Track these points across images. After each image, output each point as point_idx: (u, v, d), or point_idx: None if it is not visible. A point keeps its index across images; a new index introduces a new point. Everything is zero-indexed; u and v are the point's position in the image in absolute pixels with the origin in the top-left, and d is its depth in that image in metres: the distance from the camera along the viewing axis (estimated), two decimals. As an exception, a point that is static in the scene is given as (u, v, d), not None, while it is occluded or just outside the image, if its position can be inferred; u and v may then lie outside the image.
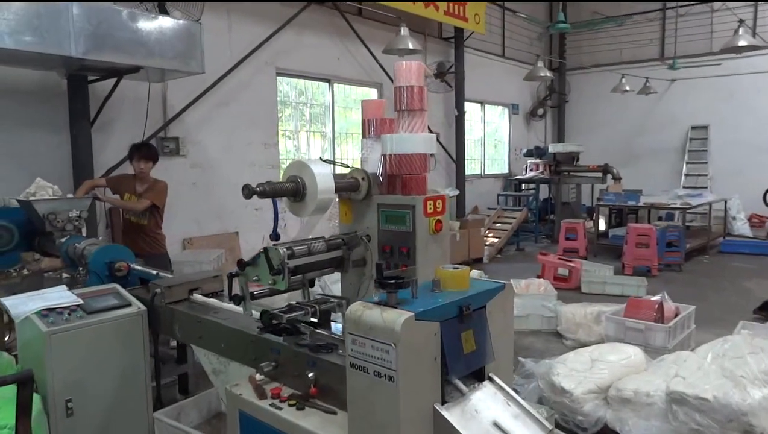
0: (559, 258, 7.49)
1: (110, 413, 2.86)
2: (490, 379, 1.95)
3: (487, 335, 1.93)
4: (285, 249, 2.19)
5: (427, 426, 1.73)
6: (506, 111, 12.87)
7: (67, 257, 3.74)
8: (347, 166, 2.65)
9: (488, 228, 9.92)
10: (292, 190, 2.27)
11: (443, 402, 1.78)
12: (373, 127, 2.72)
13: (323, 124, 8.62)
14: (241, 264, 2.30)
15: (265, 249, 2.18)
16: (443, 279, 1.93)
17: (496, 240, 9.67)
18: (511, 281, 6.41)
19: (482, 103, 11.99)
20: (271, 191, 2.20)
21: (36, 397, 2.62)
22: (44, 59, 4.41)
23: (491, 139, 12.60)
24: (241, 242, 7.18)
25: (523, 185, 12.13)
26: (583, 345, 4.23)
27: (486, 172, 12.23)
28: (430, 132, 2.67)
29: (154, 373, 3.08)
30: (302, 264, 2.28)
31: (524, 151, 12.45)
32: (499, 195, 12.15)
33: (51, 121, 5.40)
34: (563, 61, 13.97)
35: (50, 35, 4.16)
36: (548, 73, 11.31)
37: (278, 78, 7.68)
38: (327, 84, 8.45)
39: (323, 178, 2.26)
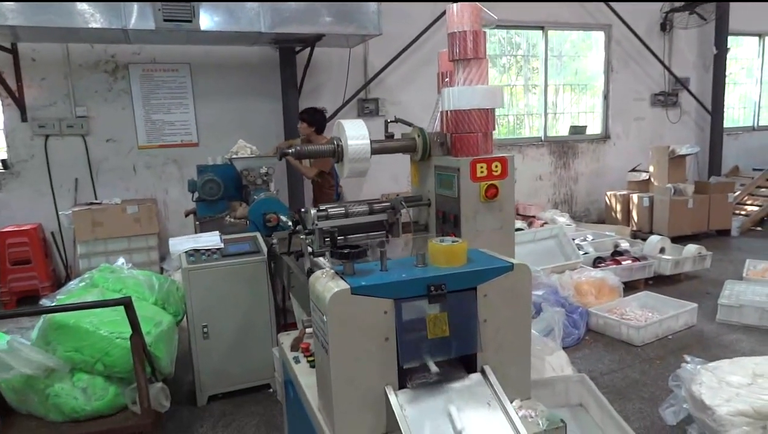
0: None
1: (238, 339, 3.36)
2: (483, 373, 1.69)
3: (474, 322, 1.66)
4: (316, 211, 2.22)
5: (378, 408, 1.61)
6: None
7: (251, 206, 4.39)
8: (410, 125, 2.50)
9: (747, 194, 8.02)
10: (330, 151, 2.26)
11: (402, 387, 1.62)
12: (447, 81, 2.49)
13: (533, 77, 8.03)
14: (295, 223, 2.41)
15: (299, 211, 2.25)
16: (431, 253, 1.72)
17: (755, 208, 7.77)
18: (747, 261, 5.19)
19: (760, 36, 9.50)
20: (305, 153, 2.24)
21: (170, 319, 3.24)
22: (242, 36, 5.13)
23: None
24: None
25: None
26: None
27: (760, 124, 9.77)
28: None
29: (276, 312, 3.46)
30: (337, 226, 2.27)
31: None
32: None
33: (268, 90, 6.27)
34: None
35: (243, 14, 4.81)
36: None
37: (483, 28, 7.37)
38: (540, 31, 7.79)
39: (355, 140, 2.19)
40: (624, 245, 5.79)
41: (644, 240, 5.82)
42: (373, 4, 5.37)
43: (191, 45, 5.83)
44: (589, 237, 6.16)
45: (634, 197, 7.38)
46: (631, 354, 3.87)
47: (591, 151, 8.25)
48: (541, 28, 7.76)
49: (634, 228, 7.27)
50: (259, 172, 4.79)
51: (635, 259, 5.29)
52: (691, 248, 5.53)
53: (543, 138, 8.04)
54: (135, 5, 4.61)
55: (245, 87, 6.28)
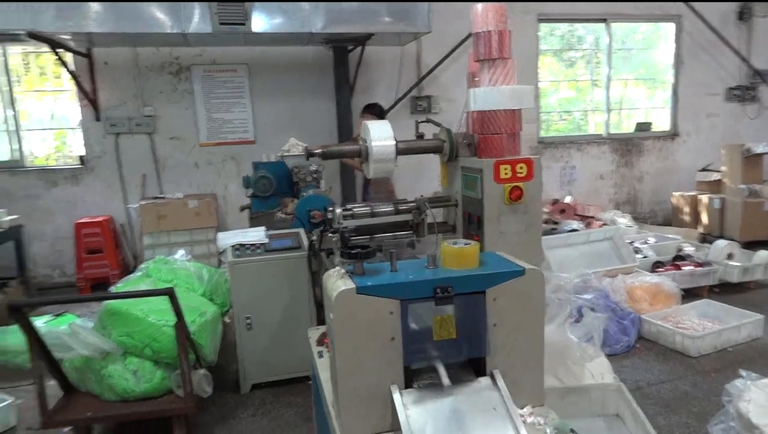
0: None
1: (280, 331, 3.48)
2: (492, 377, 1.68)
3: (483, 325, 1.66)
4: (341, 210, 2.27)
5: (383, 406, 1.64)
6: None
7: (300, 203, 4.52)
8: (439, 125, 2.50)
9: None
10: (355, 152, 2.30)
11: (408, 387, 1.65)
12: (477, 80, 2.47)
13: (595, 71, 7.73)
14: (324, 222, 2.47)
15: (325, 209, 2.30)
16: (442, 255, 1.73)
17: None
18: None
19: None
20: (329, 153, 2.29)
21: (215, 310, 3.40)
22: (294, 37, 5.28)
23: None
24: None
25: None
26: None
27: None
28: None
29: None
30: (363, 225, 2.32)
31: None
32: None
33: (322, 88, 6.41)
34: None
35: (295, 16, 4.95)
36: None
37: (540, 24, 7.20)
38: (603, 24, 7.48)
39: (379, 141, 2.22)
40: (688, 249, 5.49)
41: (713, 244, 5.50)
42: (424, 3, 5.36)
43: (248, 46, 6.05)
44: (651, 240, 5.89)
45: (704, 198, 6.97)
46: (684, 365, 3.68)
47: (657, 150, 7.85)
48: (604, 20, 7.45)
49: (703, 232, 6.86)
50: (309, 169, 4.91)
51: (698, 265, 5.00)
52: (763, 254, 5.16)
53: (605, 135, 7.73)
54: (195, 10, 4.85)
55: (300, 85, 6.44)
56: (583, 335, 3.35)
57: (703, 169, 7.40)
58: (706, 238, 6.54)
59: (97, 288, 5.75)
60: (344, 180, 6.38)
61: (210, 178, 6.38)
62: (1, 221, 5.10)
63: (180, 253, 4.14)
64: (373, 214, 2.33)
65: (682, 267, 4.96)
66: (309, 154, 2.30)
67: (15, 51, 5.97)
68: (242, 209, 5.51)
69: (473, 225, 2.23)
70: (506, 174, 2.13)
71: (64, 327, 2.97)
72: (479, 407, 1.62)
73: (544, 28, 7.40)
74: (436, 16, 6.62)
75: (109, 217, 6.00)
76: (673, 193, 7.45)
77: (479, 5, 2.15)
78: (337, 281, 1.64)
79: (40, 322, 4.15)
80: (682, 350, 3.83)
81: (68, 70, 5.61)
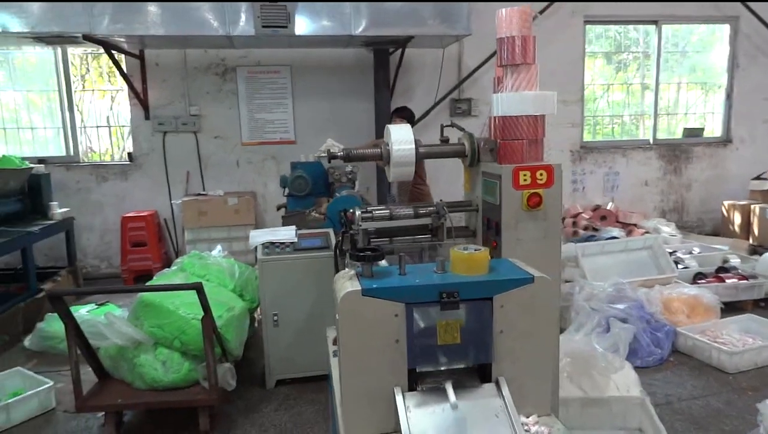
0: None
1: (306, 329, 3.55)
2: (497, 384, 1.68)
3: (489, 332, 1.65)
4: (361, 212, 2.31)
5: (386, 407, 1.66)
6: None
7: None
8: (462, 130, 2.50)
9: None
10: (377, 155, 2.33)
11: (411, 389, 1.66)
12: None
13: (646, 74, 7.49)
14: (344, 223, 2.51)
15: (344, 211, 2.34)
16: (451, 261, 1.74)
17: None
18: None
19: None
20: (351, 156, 2.33)
21: (243, 305, 3.50)
22: (335, 40, 5.36)
23: None
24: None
25: None
26: None
27: None
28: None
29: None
30: (383, 227, 2.34)
31: None
32: None
33: (361, 90, 6.47)
34: None
35: (335, 18, 5.03)
36: None
37: (587, 26, 7.04)
38: (653, 26, 7.24)
39: (399, 145, 2.24)
40: (733, 261, 5.25)
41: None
42: (465, 4, 5.34)
43: (292, 48, 6.18)
44: (695, 250, 5.67)
45: (756, 208, 6.64)
46: (720, 382, 3.53)
47: (708, 156, 7.54)
48: (654, 22, 7.21)
49: (753, 244, 6.54)
50: (344, 170, 4.97)
51: (743, 277, 4.78)
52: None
53: (651, 140, 7.48)
54: (241, 13, 4.99)
55: (340, 87, 6.53)
56: (610, 346, 3.28)
57: (757, 178, 7.06)
58: (757, 250, 6.22)
59: (140, 280, 5.99)
60: (380, 181, 6.42)
61: (250, 177, 6.55)
62: (54, 213, 5.40)
63: (217, 249, 4.28)
64: (392, 217, 2.35)
65: (726, 280, 4.75)
66: (331, 157, 2.34)
67: (76, 52, 6.30)
68: (279, 208, 5.64)
69: (492, 231, 2.22)
70: (525, 180, 2.11)
71: (101, 317, 3.12)
72: (482, 413, 1.62)
73: (595, 29, 7.22)
74: (477, 18, 6.60)
75: (154, 212, 6.25)
76: (724, 202, 7.14)
77: (504, 9, 2.14)
78: (345, 282, 1.68)
79: (83, 311, 4.40)
80: (719, 366, 3.68)
81: (120, 70, 5.87)
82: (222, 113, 6.40)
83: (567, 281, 4.79)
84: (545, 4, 6.61)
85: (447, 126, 2.56)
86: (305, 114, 6.55)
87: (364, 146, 5.74)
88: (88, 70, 6.50)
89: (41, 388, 3.34)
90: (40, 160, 6.11)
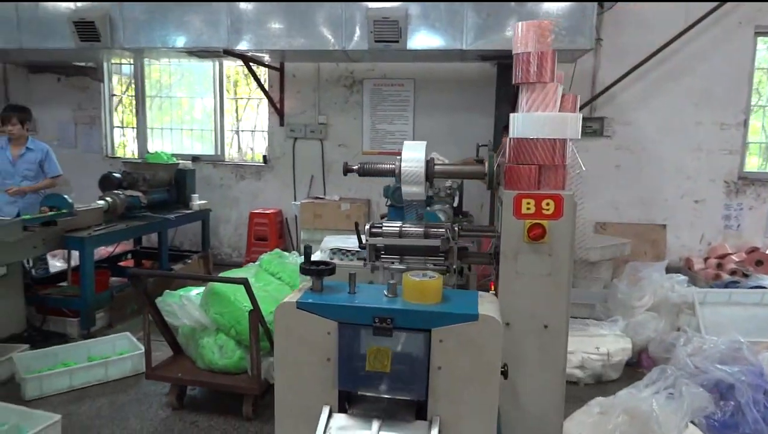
0: None
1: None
2: (430, 424, 1.57)
3: (423, 366, 1.55)
4: (370, 226, 2.30)
5: (316, 425, 1.64)
6: None
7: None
8: (481, 161, 2.34)
9: None
10: (389, 171, 2.30)
11: (342, 410, 1.63)
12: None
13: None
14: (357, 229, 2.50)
15: (356, 223, 2.35)
16: (404, 286, 1.66)
17: None
18: None
19: None
20: (366, 170, 2.33)
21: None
22: (447, 54, 5.34)
23: None
24: (669, 237, 6.29)
25: None
26: None
27: None
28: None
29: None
30: (391, 245, 2.30)
31: None
32: None
33: (482, 104, 6.33)
34: None
35: (447, 32, 5.02)
36: None
37: (758, 38, 6.04)
38: None
39: (409, 163, 2.19)
40: None
41: None
42: (591, 15, 4.94)
43: (416, 62, 6.29)
44: None
45: None
46: None
47: None
48: None
49: None
50: (443, 184, 4.93)
51: None
52: None
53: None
54: (356, 28, 5.24)
55: (461, 100, 6.47)
56: (679, 411, 2.80)
57: None
58: None
59: (262, 272, 6.56)
60: (494, 198, 6.21)
61: (367, 185, 6.77)
62: (194, 204, 6.17)
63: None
64: (401, 235, 2.30)
65: None
66: (346, 170, 2.37)
67: (230, 64, 7.15)
68: (382, 217, 5.78)
69: (495, 260, 2.06)
70: (529, 209, 1.92)
71: (176, 299, 3.52)
72: (399, 451, 1.52)
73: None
74: (616, 28, 6.07)
75: (278, 210, 6.81)
76: None
77: (521, 23, 1.97)
78: (291, 295, 1.70)
79: (194, 292, 4.95)
80: None
81: (257, 81, 6.50)
82: (347, 122, 6.75)
83: (678, 329, 4.20)
84: (703, 12, 5.83)
85: (482, 145, 2.44)
86: (425, 126, 6.61)
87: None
88: (238, 80, 7.32)
89: (135, 353, 3.86)
90: (194, 157, 7.05)
